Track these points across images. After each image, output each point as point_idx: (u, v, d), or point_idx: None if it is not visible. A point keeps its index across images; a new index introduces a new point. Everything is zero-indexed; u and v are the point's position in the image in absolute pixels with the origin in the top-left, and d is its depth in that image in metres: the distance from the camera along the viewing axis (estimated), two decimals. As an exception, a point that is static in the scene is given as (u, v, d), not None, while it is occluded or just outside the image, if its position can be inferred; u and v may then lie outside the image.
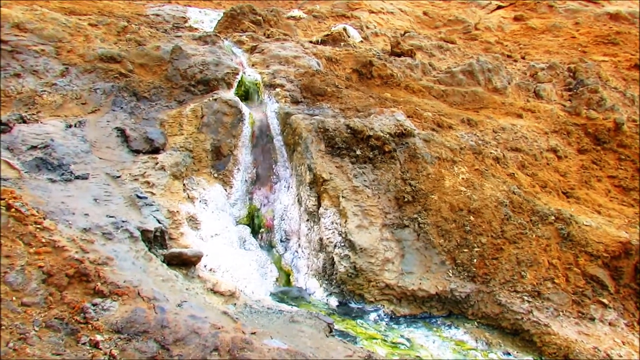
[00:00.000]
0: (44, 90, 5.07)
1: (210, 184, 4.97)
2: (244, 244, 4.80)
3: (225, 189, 5.09)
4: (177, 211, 4.23)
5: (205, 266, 3.92)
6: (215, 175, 5.10)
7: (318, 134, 5.01)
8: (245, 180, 5.32)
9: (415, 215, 4.44)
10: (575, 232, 4.22)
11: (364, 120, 5.14)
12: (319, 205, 4.65)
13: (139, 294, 2.66)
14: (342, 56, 7.40)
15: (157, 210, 3.92)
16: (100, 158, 4.46)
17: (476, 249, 4.15)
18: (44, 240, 2.70)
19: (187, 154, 4.92)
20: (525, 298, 3.84)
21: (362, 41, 9.14)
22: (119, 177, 4.21)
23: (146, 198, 3.98)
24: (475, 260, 4.10)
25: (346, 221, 4.34)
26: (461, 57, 9.07)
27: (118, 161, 4.53)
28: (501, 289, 3.93)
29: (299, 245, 4.80)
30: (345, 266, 4.12)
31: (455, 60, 8.93)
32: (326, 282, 4.29)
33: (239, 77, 6.05)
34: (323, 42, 8.36)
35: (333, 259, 4.24)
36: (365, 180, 4.68)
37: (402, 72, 7.30)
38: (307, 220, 4.72)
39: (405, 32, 10.03)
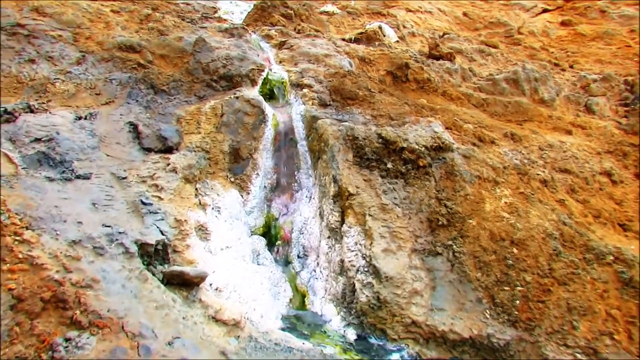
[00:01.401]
0: (57, 78, 4.76)
1: (226, 189, 4.56)
2: (257, 258, 4.38)
3: (242, 195, 4.68)
4: (185, 220, 3.83)
5: (210, 284, 3.51)
6: (232, 179, 4.70)
7: (346, 141, 4.54)
8: (264, 187, 4.90)
9: (450, 242, 3.92)
10: (639, 278, 3.62)
11: (397, 129, 4.64)
12: (342, 222, 4.19)
13: (122, 327, 2.26)
14: (376, 56, 6.89)
15: (162, 219, 3.54)
16: (107, 155, 4.10)
17: (519, 288, 3.60)
18: (20, 255, 2.33)
19: (202, 154, 4.53)
20: (578, 355, 3.27)
21: (398, 41, 8.59)
22: (124, 178, 3.84)
23: (151, 204, 3.59)
24: (517, 302, 3.55)
25: (372, 243, 3.86)
26: (504, 63, 8.42)
27: (126, 160, 4.17)
28: (548, 341, 3.37)
29: (318, 264, 4.35)
30: (367, 295, 3.64)
31: (497, 66, 8.29)
32: (345, 310, 3.82)
33: (264, 74, 5.63)
34: (356, 40, 7.86)
35: (354, 285, 3.77)
36: (395, 198, 4.18)
37: (440, 77, 6.74)
38: (329, 237, 4.26)
39: (444, 34, 9.42)
